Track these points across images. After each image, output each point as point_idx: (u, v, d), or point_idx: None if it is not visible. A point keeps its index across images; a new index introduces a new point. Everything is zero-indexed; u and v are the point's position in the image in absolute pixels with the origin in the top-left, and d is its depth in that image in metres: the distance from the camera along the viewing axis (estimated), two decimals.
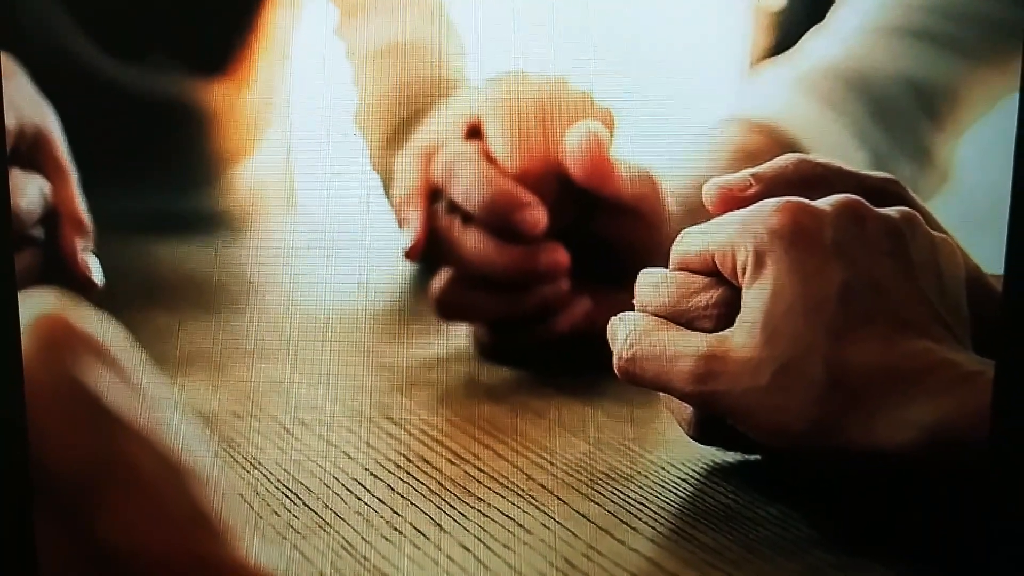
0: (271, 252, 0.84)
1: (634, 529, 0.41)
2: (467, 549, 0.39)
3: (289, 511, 0.43)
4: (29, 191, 0.53)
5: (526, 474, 0.46)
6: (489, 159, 0.57)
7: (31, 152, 0.54)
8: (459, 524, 0.41)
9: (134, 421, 0.28)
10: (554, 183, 0.57)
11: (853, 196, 0.41)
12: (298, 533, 0.41)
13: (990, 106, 0.73)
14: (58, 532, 0.27)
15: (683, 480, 0.45)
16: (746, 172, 0.44)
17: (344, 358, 0.61)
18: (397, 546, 0.40)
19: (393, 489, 0.44)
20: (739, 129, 0.67)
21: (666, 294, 0.43)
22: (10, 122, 0.52)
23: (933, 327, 0.39)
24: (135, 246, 0.77)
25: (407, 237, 0.58)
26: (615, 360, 0.44)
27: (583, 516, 0.42)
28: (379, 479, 0.45)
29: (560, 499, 0.43)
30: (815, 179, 0.43)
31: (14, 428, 0.27)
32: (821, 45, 0.74)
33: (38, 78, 0.58)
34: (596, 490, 0.44)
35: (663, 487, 0.44)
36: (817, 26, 0.77)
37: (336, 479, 0.45)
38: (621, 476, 0.45)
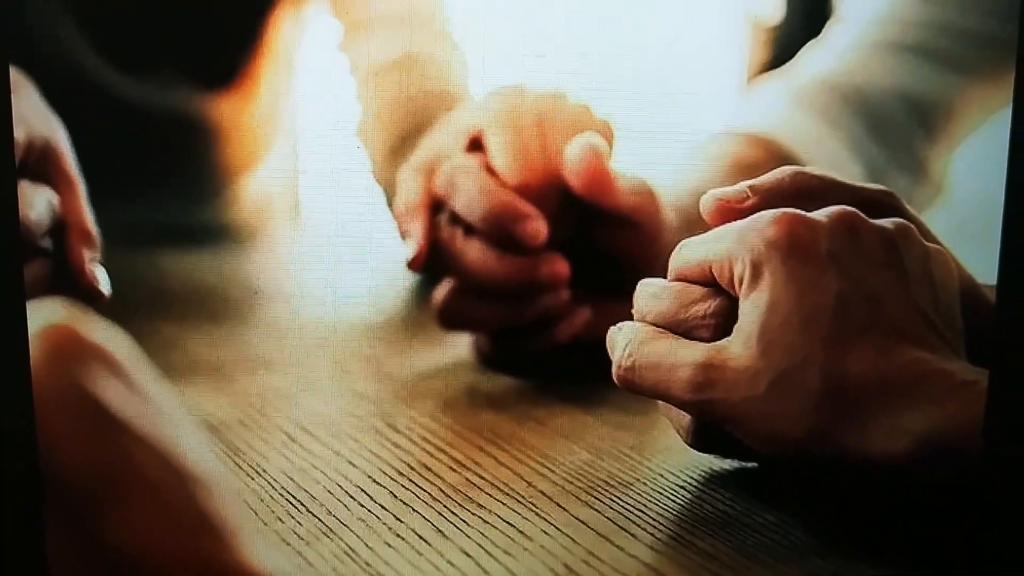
0: (276, 263, 0.84)
1: (633, 536, 0.41)
2: (468, 555, 0.40)
3: (293, 517, 0.43)
4: (38, 203, 0.53)
5: (527, 481, 0.46)
6: (490, 172, 0.58)
7: (40, 165, 0.55)
8: (461, 531, 0.42)
9: (141, 429, 0.28)
10: (554, 195, 0.57)
11: (848, 208, 0.41)
12: (302, 539, 0.41)
13: (984, 120, 0.74)
14: (67, 538, 0.27)
15: (681, 487, 0.45)
16: (743, 184, 0.44)
17: (348, 368, 0.61)
18: (400, 552, 0.40)
19: (396, 496, 0.45)
20: (736, 142, 0.67)
21: (664, 304, 0.44)
22: (19, 135, 0.53)
23: (927, 337, 0.39)
24: (142, 257, 0.78)
25: (410, 248, 0.59)
26: (614, 369, 0.44)
27: (583, 523, 0.42)
28: (382, 486, 0.46)
29: (560, 506, 0.44)
30: (811, 191, 0.44)
31: (23, 436, 0.27)
32: (817, 59, 0.74)
33: (47, 91, 0.58)
34: (596, 497, 0.45)
35: (662, 494, 0.45)
36: (813, 41, 0.77)
37: (340, 486, 0.46)
38: (620, 483, 0.46)
